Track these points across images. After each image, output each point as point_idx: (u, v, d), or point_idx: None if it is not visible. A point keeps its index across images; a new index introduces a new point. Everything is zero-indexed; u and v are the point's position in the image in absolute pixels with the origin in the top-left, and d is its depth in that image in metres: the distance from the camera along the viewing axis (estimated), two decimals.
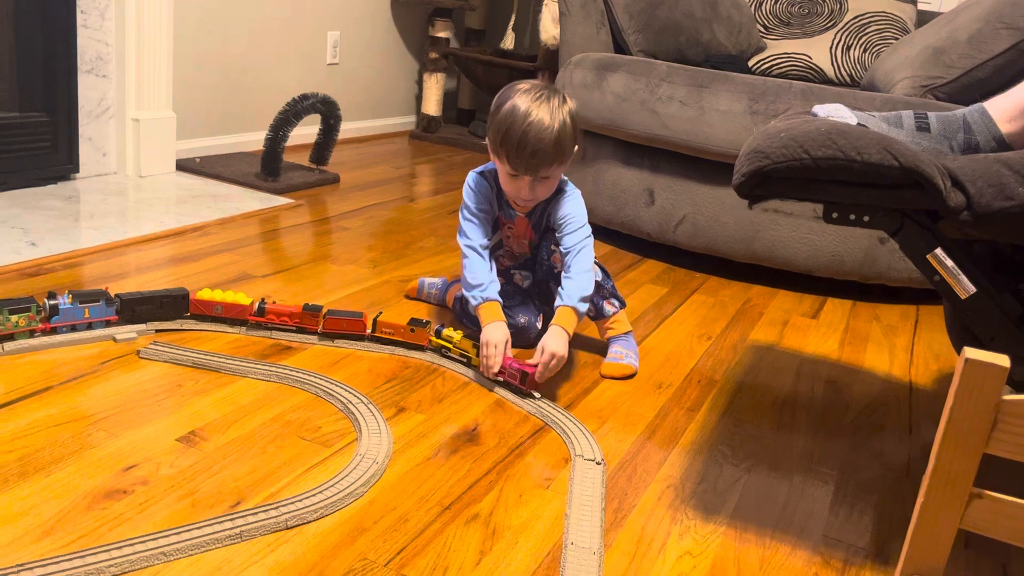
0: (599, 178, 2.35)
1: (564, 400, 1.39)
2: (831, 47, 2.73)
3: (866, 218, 1.00)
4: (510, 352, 1.42)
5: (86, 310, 1.37)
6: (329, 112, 2.55)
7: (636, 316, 1.83)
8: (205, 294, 1.49)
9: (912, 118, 1.14)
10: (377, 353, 1.48)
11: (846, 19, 2.75)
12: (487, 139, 1.51)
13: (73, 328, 1.36)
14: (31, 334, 1.33)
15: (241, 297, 1.50)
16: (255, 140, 2.69)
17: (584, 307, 1.45)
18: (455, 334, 1.47)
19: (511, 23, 3.73)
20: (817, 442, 1.36)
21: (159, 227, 1.99)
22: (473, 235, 1.52)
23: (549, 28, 3.22)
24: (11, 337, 1.30)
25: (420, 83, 3.72)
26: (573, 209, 1.53)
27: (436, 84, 3.59)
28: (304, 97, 2.46)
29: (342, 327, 1.49)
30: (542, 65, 3.34)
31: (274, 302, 1.51)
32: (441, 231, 2.30)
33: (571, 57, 2.45)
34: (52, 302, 1.35)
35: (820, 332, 1.86)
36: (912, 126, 1.13)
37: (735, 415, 1.42)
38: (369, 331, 1.50)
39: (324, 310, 1.50)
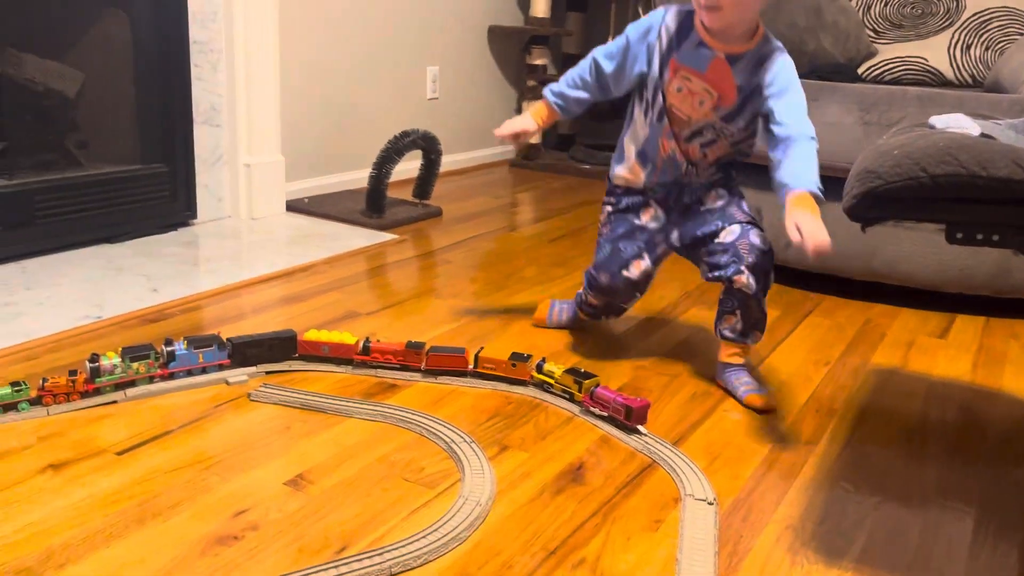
0: None
1: (672, 435, 1.34)
2: (949, 47, 2.57)
3: (995, 237, 0.92)
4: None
5: (200, 355, 1.42)
6: (430, 147, 2.59)
7: None
8: (312, 335, 1.52)
9: None
10: (479, 389, 1.47)
11: (964, 17, 2.59)
12: None
13: (189, 372, 1.42)
14: (150, 380, 1.38)
15: (347, 336, 1.52)
16: (360, 178, 2.75)
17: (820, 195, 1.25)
18: (557, 368, 1.44)
19: None
20: (952, 474, 1.26)
21: (270, 268, 2.06)
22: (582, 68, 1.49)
23: None
24: (132, 383, 1.36)
25: (519, 111, 3.74)
26: (787, 70, 1.34)
27: None
28: (405, 134, 2.51)
29: (444, 363, 1.49)
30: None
31: (378, 340, 1.53)
32: (542, 260, 2.28)
33: None
34: (169, 348, 1.40)
35: (950, 353, 1.73)
36: None
37: (858, 446, 1.34)
38: (471, 366, 1.49)
39: (427, 347, 1.50)
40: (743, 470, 1.25)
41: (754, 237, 1.46)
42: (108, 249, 2.11)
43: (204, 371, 1.43)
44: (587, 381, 1.39)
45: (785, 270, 2.17)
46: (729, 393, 1.50)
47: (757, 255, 1.44)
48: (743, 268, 1.43)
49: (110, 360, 1.34)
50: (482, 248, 2.38)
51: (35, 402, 1.29)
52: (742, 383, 1.48)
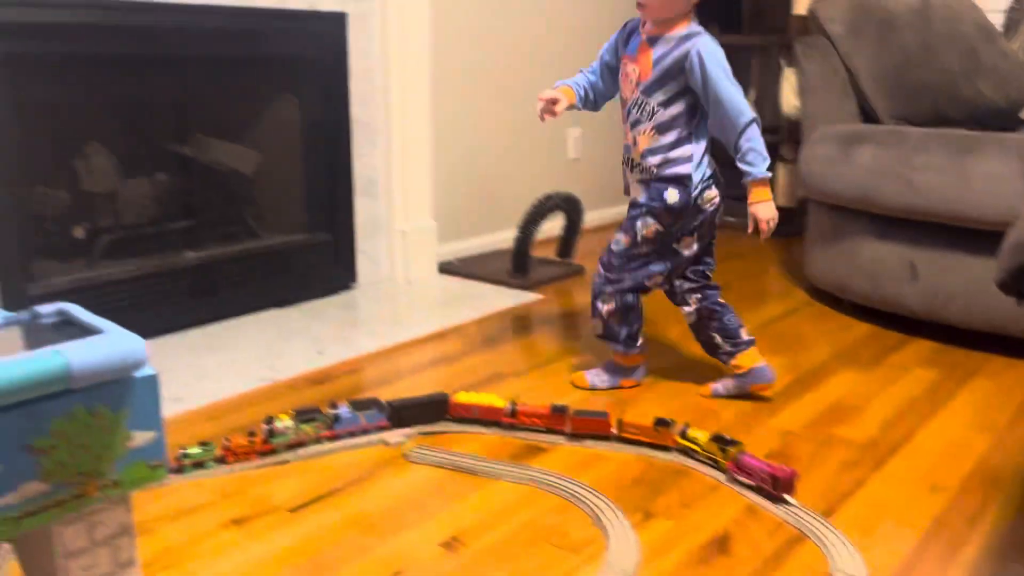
0: (853, 253, 2.23)
1: (822, 505, 1.32)
2: None
3: None
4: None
5: (362, 417, 1.53)
6: (571, 209, 2.67)
7: (904, 406, 1.69)
8: (463, 397, 1.60)
9: None
10: (623, 453, 1.50)
11: None
12: None
13: (352, 434, 1.53)
14: (318, 440, 1.50)
15: (495, 399, 1.59)
16: (507, 238, 2.86)
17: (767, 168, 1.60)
18: (701, 435, 1.45)
19: (752, 97, 3.69)
20: None
21: (424, 329, 2.18)
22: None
23: (790, 99, 3.15)
24: (302, 444, 1.49)
25: None
26: (708, 51, 1.59)
27: None
28: (548, 197, 2.60)
29: (588, 427, 1.53)
30: (784, 137, 3.25)
31: (524, 403, 1.59)
32: (683, 319, 2.28)
33: (814, 131, 2.37)
34: (334, 411, 1.52)
35: None
36: None
37: None
38: (615, 431, 1.52)
39: (570, 410, 1.55)
40: (899, 546, 1.21)
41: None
42: (280, 313, 2.30)
43: (365, 432, 1.54)
44: (732, 448, 1.39)
45: (945, 328, 2.07)
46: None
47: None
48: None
49: (283, 422, 1.47)
50: None
51: (219, 460, 1.43)
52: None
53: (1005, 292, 0.94)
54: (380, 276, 2.63)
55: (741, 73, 3.78)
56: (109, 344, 0.59)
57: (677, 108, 1.62)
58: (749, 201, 1.62)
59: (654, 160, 1.65)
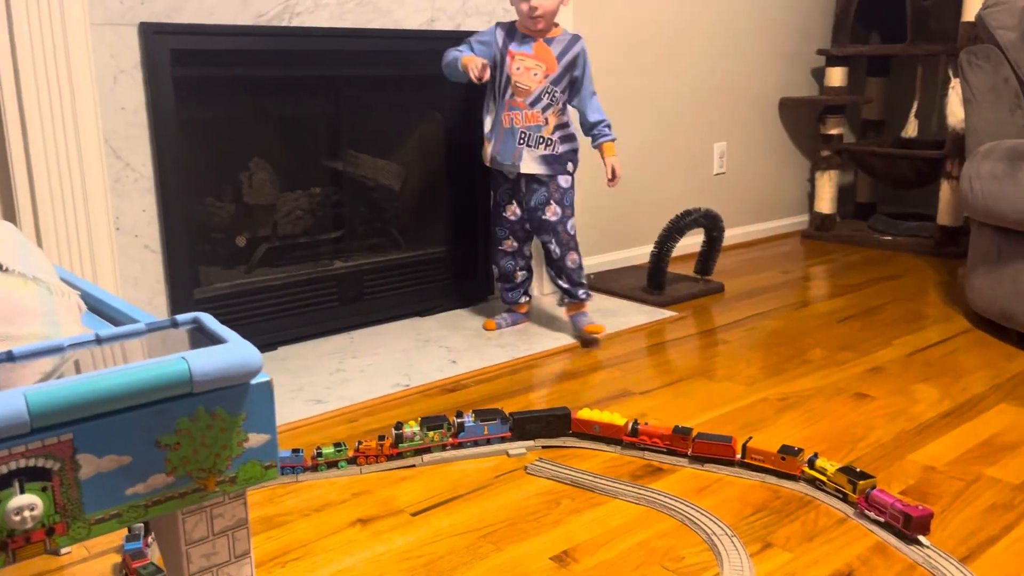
0: (1019, 279, 2.06)
1: (961, 550, 1.23)
2: None
3: None
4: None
5: (486, 427, 1.58)
6: (711, 225, 2.62)
7: None
8: (585, 414, 1.61)
9: None
10: (747, 480, 1.46)
11: None
12: None
13: (475, 443, 1.57)
14: (443, 447, 1.56)
15: (616, 417, 1.59)
16: (644, 253, 2.84)
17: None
18: (830, 465, 1.39)
19: (913, 109, 3.48)
20: None
21: (554, 343, 2.20)
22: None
23: (957, 111, 2.95)
24: (428, 450, 1.55)
25: (812, 181, 3.63)
26: (587, 58, 2.17)
27: (829, 181, 3.47)
28: (687, 213, 2.56)
29: (711, 451, 1.50)
30: (950, 152, 3.05)
31: (647, 423, 1.58)
32: (830, 342, 2.19)
33: (979, 146, 2.22)
34: (460, 420, 1.57)
35: None
36: None
37: None
38: (739, 456, 1.49)
39: (694, 433, 1.53)
40: None
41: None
42: (419, 322, 2.39)
43: (488, 442, 1.58)
44: (862, 482, 1.33)
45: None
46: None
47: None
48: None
49: (411, 428, 1.54)
50: (764, 327, 2.34)
51: (351, 461, 1.51)
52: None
53: None
54: None
55: (906, 84, 3.59)
56: (229, 353, 0.65)
57: (566, 95, 2.16)
58: (610, 157, 2.20)
59: (558, 136, 2.15)
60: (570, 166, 2.20)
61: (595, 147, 2.21)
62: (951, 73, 3.08)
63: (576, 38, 2.16)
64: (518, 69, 2.11)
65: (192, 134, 2.01)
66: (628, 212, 3.03)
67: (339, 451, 1.51)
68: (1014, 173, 2.00)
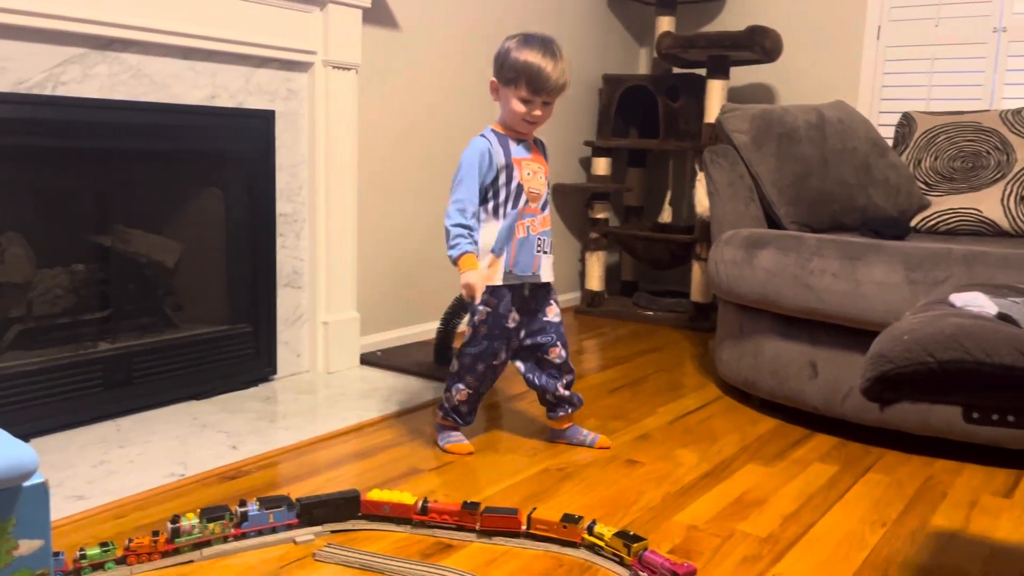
0: (758, 352, 2.33)
1: None
2: (1002, 199, 2.62)
3: (1011, 418, 0.96)
4: None
5: (271, 515, 1.52)
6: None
7: (803, 499, 1.76)
8: (375, 495, 1.61)
9: None
10: (532, 550, 1.52)
11: (1015, 170, 2.65)
12: (495, 77, 1.93)
13: (260, 532, 1.51)
14: (225, 539, 1.48)
15: (406, 496, 1.60)
16: (430, 329, 2.90)
17: None
18: (607, 531, 1.48)
19: (667, 198, 3.87)
20: None
21: (342, 423, 2.18)
22: (469, 190, 1.93)
23: (703, 201, 3.32)
24: (208, 543, 1.47)
25: (583, 261, 3.89)
26: None
27: (598, 261, 3.75)
28: None
29: (498, 524, 1.55)
30: (699, 236, 3.41)
31: (436, 500, 1.60)
32: (602, 412, 2.34)
33: (722, 233, 2.51)
34: (243, 509, 1.51)
35: (1015, 514, 1.70)
36: None
37: None
38: (524, 527, 1.55)
39: (482, 507, 1.57)
40: None
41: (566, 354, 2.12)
42: (195, 406, 2.27)
43: (274, 531, 1.53)
44: (636, 544, 1.43)
45: (845, 424, 2.17)
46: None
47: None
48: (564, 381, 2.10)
49: (189, 521, 1.45)
50: None
51: (120, 561, 1.40)
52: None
53: (868, 399, 1.01)
54: (301, 368, 2.63)
55: (661, 175, 3.99)
56: None
57: None
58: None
59: (550, 237, 2.05)
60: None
61: None
62: (697, 167, 3.47)
63: (538, 138, 2.06)
64: (528, 175, 1.96)
65: None
66: (413, 290, 3.08)
67: (106, 551, 1.39)
68: (751, 259, 2.28)
